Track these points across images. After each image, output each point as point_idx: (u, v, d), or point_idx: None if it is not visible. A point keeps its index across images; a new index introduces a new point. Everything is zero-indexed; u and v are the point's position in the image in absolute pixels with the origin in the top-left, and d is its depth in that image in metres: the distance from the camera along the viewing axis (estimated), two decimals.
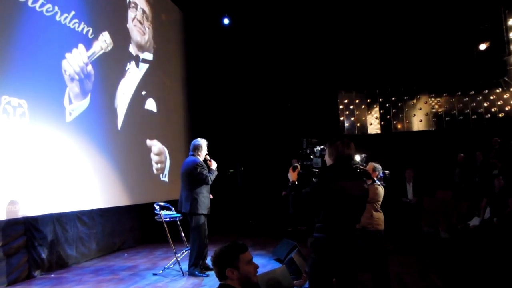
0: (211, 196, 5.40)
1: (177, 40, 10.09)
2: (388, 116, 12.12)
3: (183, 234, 5.75)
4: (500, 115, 11.33)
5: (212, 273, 4.96)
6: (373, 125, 12.23)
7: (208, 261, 5.30)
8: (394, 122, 12.12)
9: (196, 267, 5.12)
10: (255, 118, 11.35)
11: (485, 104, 11.50)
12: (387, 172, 4.42)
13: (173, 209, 5.68)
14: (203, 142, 5.35)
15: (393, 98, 12.14)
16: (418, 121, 11.98)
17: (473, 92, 11.64)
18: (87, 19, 6.56)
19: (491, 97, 11.47)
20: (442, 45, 10.96)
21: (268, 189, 10.78)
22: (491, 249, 5.63)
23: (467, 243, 6.25)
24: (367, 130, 12.21)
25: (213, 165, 5.34)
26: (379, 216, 4.31)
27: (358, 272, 2.65)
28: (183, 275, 5.15)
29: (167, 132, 9.12)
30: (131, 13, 7.95)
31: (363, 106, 12.29)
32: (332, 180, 2.49)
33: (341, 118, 12.14)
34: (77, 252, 6.06)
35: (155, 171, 8.49)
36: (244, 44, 11.29)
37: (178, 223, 5.68)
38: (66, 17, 6.10)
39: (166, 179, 8.86)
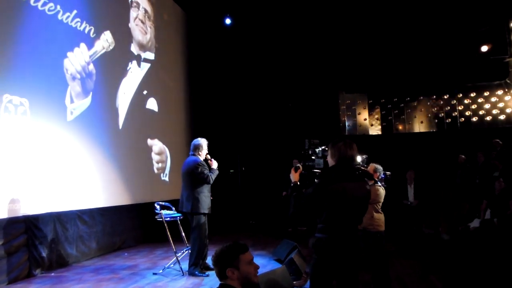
0: (211, 198, 5.40)
1: (178, 40, 10.10)
2: (389, 117, 12.11)
3: (183, 234, 5.75)
4: (501, 117, 11.32)
5: (212, 273, 4.97)
6: (374, 126, 12.22)
7: (209, 261, 5.30)
8: (395, 123, 12.11)
9: (196, 266, 5.12)
10: (256, 118, 11.35)
11: (487, 106, 11.49)
12: (388, 173, 4.42)
13: (174, 208, 5.69)
14: (203, 142, 5.35)
15: (394, 99, 12.13)
16: (419, 123, 11.97)
17: (474, 94, 11.63)
18: (89, 18, 6.57)
19: (493, 99, 11.46)
20: (444, 46, 10.95)
21: (269, 190, 10.78)
22: (491, 251, 5.62)
23: (468, 245, 6.24)
24: (368, 131, 12.21)
25: (214, 164, 5.35)
26: (380, 217, 4.31)
27: (359, 273, 2.65)
28: (183, 275, 5.15)
29: (168, 132, 9.13)
30: (133, 13, 7.96)
31: (364, 107, 12.28)
32: (334, 181, 2.49)
33: (342, 119, 12.14)
34: (78, 251, 6.06)
35: (156, 171, 8.49)
36: (245, 44, 11.29)
37: (179, 222, 5.68)
38: (68, 16, 6.10)
39: (166, 178, 8.86)
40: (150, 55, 8.50)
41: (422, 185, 6.95)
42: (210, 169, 5.29)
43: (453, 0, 10.34)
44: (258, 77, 11.38)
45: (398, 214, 7.24)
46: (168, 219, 5.50)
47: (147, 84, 8.28)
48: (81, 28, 6.41)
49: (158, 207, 5.49)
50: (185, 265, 5.27)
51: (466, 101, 11.70)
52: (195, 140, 5.39)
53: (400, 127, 12.09)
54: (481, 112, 11.53)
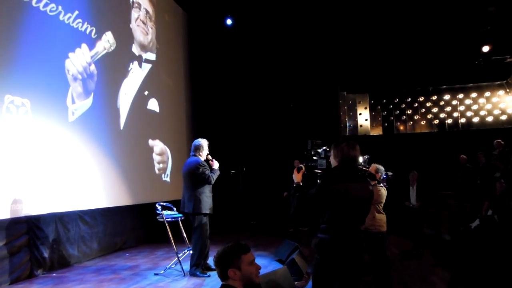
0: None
1: (180, 41, 10.11)
2: (390, 118, 12.11)
3: (184, 234, 5.75)
4: (503, 117, 11.31)
5: (213, 274, 4.97)
6: (375, 126, 12.22)
7: (210, 261, 5.30)
8: (397, 124, 12.11)
9: (198, 267, 5.12)
10: (257, 118, 11.35)
11: (488, 107, 11.48)
12: (389, 173, 4.41)
13: (175, 209, 5.69)
14: (204, 142, 5.35)
15: (395, 100, 12.13)
16: (421, 123, 11.97)
17: (475, 94, 11.63)
18: (90, 19, 6.58)
19: (494, 99, 11.45)
20: (445, 47, 10.95)
21: (270, 190, 10.78)
22: (493, 249, 5.61)
23: (469, 245, 6.23)
24: (369, 132, 12.20)
25: (215, 165, 5.35)
26: (382, 217, 4.31)
27: (361, 273, 2.65)
28: (184, 275, 5.15)
29: (169, 132, 9.14)
30: (134, 13, 7.97)
31: (365, 108, 12.28)
32: (337, 182, 2.49)
33: (344, 120, 12.14)
34: (79, 251, 6.07)
35: (157, 171, 8.50)
36: (246, 45, 11.29)
37: (180, 223, 5.69)
38: (69, 17, 6.11)
39: (168, 179, 8.87)
40: (151, 56, 8.51)
41: (424, 186, 6.93)
42: (211, 169, 5.30)
43: (454, 0, 10.33)
44: (259, 77, 11.38)
45: (400, 215, 7.22)
46: (169, 219, 5.50)
47: (148, 85, 8.29)
48: (83, 29, 6.42)
49: (159, 207, 5.49)
50: (186, 266, 5.27)
51: (467, 102, 11.70)
52: (195, 140, 5.40)
53: (401, 128, 12.09)
54: (482, 113, 11.52)
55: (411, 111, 12.05)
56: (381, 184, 4.32)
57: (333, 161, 2.65)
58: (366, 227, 4.11)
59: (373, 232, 4.20)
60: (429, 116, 11.92)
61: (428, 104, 11.94)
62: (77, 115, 6.21)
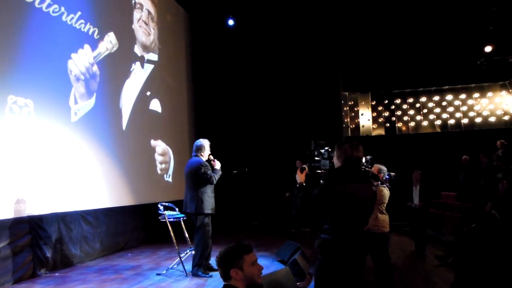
0: None
1: (182, 41, 10.12)
2: (392, 118, 12.09)
3: (186, 235, 5.76)
4: (505, 118, 11.28)
5: (215, 274, 4.97)
6: (378, 127, 12.20)
7: (212, 261, 5.30)
8: (399, 124, 12.09)
9: (200, 267, 5.13)
10: (259, 119, 11.35)
11: (491, 107, 11.45)
12: (392, 174, 4.40)
13: (177, 209, 5.69)
14: (205, 143, 5.36)
15: (398, 100, 12.11)
16: (423, 124, 11.95)
17: (478, 94, 11.60)
18: (93, 20, 6.60)
19: (497, 100, 11.42)
20: (448, 47, 10.92)
21: (272, 190, 10.78)
22: (494, 249, 5.59)
23: (472, 245, 6.21)
24: (371, 132, 12.19)
25: (217, 165, 5.35)
26: (385, 218, 4.30)
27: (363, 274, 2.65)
28: (186, 276, 5.16)
29: (171, 133, 9.15)
30: (136, 14, 7.98)
31: (367, 108, 12.27)
32: (340, 182, 2.49)
33: (345, 120, 12.12)
34: (81, 251, 6.09)
35: (159, 171, 8.51)
36: (248, 46, 11.30)
37: (182, 223, 5.69)
38: (72, 18, 6.14)
39: (170, 179, 8.88)
40: (154, 56, 8.52)
41: (427, 187, 6.91)
42: (213, 169, 5.30)
43: (457, 0, 10.31)
44: (261, 78, 11.38)
45: (402, 215, 7.21)
46: (172, 219, 5.51)
47: (151, 85, 8.31)
48: (85, 30, 6.44)
49: (161, 207, 5.50)
50: (188, 266, 5.27)
51: (469, 102, 11.67)
52: (197, 141, 5.40)
53: (404, 128, 12.07)
54: (485, 113, 11.49)
55: (413, 111, 12.02)
56: (384, 185, 4.31)
57: (336, 162, 2.65)
58: (368, 228, 4.10)
59: (375, 233, 4.19)
60: (432, 116, 11.89)
61: (431, 105, 11.92)
62: (79, 116, 6.23)
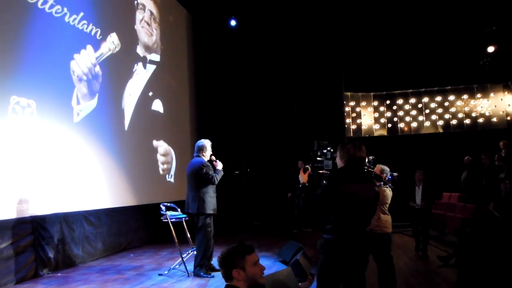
0: None
1: (184, 42, 10.13)
2: (395, 119, 12.07)
3: (188, 235, 5.76)
4: (508, 118, 11.24)
5: (217, 274, 4.98)
6: (380, 127, 12.18)
7: (214, 262, 5.31)
8: (401, 124, 12.07)
9: (202, 268, 5.13)
10: (261, 119, 11.36)
11: (493, 107, 11.41)
12: (395, 174, 4.40)
13: (179, 209, 5.70)
14: (207, 143, 5.37)
15: (400, 101, 12.09)
16: (425, 124, 11.92)
17: (480, 95, 11.56)
18: (95, 21, 6.61)
19: (499, 100, 11.38)
20: (450, 47, 10.90)
21: (274, 191, 10.77)
22: (495, 247, 5.58)
23: (472, 246, 6.19)
24: (373, 132, 12.17)
25: (219, 165, 5.36)
26: (387, 218, 4.29)
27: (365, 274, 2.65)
28: (188, 276, 5.16)
29: (173, 133, 9.16)
30: (139, 15, 8.00)
31: (369, 108, 12.25)
32: (343, 183, 2.49)
33: (348, 120, 12.11)
34: (84, 251, 6.10)
35: (161, 172, 8.52)
36: (250, 46, 11.31)
37: (184, 223, 5.69)
38: (75, 19, 6.15)
39: (172, 179, 8.89)
40: (156, 57, 8.54)
41: (429, 187, 6.89)
42: (215, 169, 5.31)
43: (460, 0, 10.29)
44: (263, 78, 11.38)
45: (405, 216, 7.20)
46: (174, 220, 5.51)
47: (153, 86, 8.32)
48: (88, 30, 6.46)
49: (163, 208, 5.50)
50: (190, 266, 5.27)
51: (472, 102, 11.63)
52: (198, 141, 5.41)
53: (406, 129, 12.04)
54: (487, 114, 11.46)
55: (415, 112, 12.00)
56: (386, 185, 4.30)
57: (339, 162, 2.65)
58: (371, 228, 4.10)
59: (378, 233, 4.19)
60: (434, 117, 11.87)
61: (433, 105, 11.89)
62: (82, 116, 6.25)
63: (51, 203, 5.47)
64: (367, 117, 12.24)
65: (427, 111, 11.91)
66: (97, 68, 6.65)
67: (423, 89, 11.93)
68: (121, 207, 7.07)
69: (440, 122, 11.81)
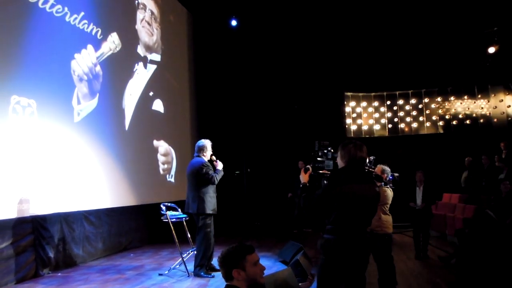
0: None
1: (185, 41, 10.13)
2: (395, 119, 12.06)
3: (189, 235, 5.76)
4: (509, 119, 11.22)
5: (217, 274, 4.98)
6: (380, 128, 12.18)
7: (214, 262, 5.30)
8: (402, 125, 12.06)
9: (202, 268, 5.13)
10: (262, 119, 11.36)
11: (494, 108, 11.40)
12: (396, 174, 4.39)
13: (179, 209, 5.70)
14: (207, 143, 5.37)
15: (400, 101, 12.08)
16: (426, 125, 11.91)
17: (481, 95, 11.55)
18: (96, 20, 6.61)
19: (500, 101, 11.37)
20: (451, 48, 10.89)
21: (274, 191, 10.77)
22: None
23: (470, 247, 6.19)
24: (373, 133, 12.16)
25: (219, 165, 5.36)
26: (388, 219, 4.29)
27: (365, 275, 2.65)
28: (188, 276, 5.16)
29: (174, 133, 9.16)
30: (139, 14, 8.00)
31: (370, 109, 12.24)
32: (343, 183, 2.49)
33: (348, 121, 12.10)
34: (84, 251, 6.10)
35: (161, 172, 8.52)
36: (251, 46, 11.31)
37: (184, 223, 5.69)
38: (75, 18, 6.15)
39: (172, 179, 8.89)
40: (156, 57, 8.54)
41: (430, 187, 6.88)
42: (215, 169, 5.31)
43: (461, 0, 10.29)
44: (264, 78, 11.39)
45: (405, 216, 7.18)
46: (174, 220, 5.51)
47: (153, 86, 8.32)
48: (88, 30, 6.46)
49: (163, 208, 5.50)
50: (190, 266, 5.27)
51: (473, 103, 11.62)
52: (199, 141, 5.41)
53: (406, 129, 12.03)
54: (488, 114, 11.44)
55: (416, 112, 11.99)
56: (387, 185, 4.30)
57: (340, 162, 2.64)
58: (371, 228, 4.09)
59: (379, 234, 4.18)
60: (434, 117, 11.86)
61: (433, 106, 11.88)
62: (82, 116, 6.25)
63: (51, 202, 5.47)
64: (368, 118, 12.23)
65: (428, 111, 11.90)
66: (98, 68, 6.65)
67: (424, 90, 11.92)
68: (122, 207, 7.07)
69: (441, 123, 11.81)
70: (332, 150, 3.08)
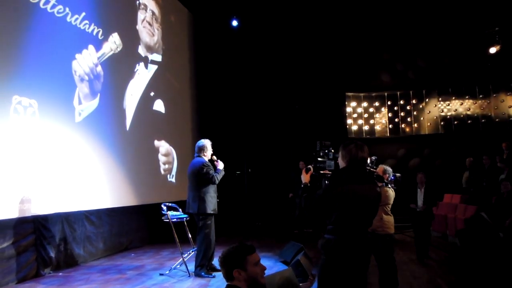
0: (217, 200, 5.39)
1: (186, 42, 10.14)
2: (396, 119, 12.05)
3: (189, 235, 5.77)
4: (510, 119, 11.21)
5: (218, 274, 4.98)
6: (381, 128, 12.17)
7: (215, 262, 5.30)
8: (403, 125, 12.05)
9: (203, 268, 5.13)
10: (263, 120, 11.36)
11: (495, 108, 11.39)
12: (398, 175, 4.39)
13: (180, 209, 5.70)
14: (207, 143, 5.37)
15: (401, 101, 12.07)
16: (427, 125, 11.90)
17: (482, 95, 11.54)
18: (97, 21, 6.62)
19: (501, 101, 11.36)
20: (452, 48, 10.89)
21: (275, 191, 10.77)
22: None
23: (475, 248, 6.19)
24: (375, 133, 12.15)
25: (220, 165, 5.36)
26: (389, 219, 4.28)
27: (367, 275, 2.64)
28: (189, 276, 5.16)
29: (175, 133, 9.16)
30: (140, 15, 8.01)
31: (371, 109, 12.23)
32: (344, 183, 2.49)
33: (349, 121, 12.10)
34: (85, 251, 6.10)
35: (162, 172, 8.52)
36: (252, 46, 11.31)
37: (185, 223, 5.70)
38: (76, 18, 6.16)
39: (173, 179, 8.89)
40: (157, 57, 8.54)
41: (431, 188, 6.87)
42: (216, 169, 5.31)
43: (462, 0, 10.28)
44: (265, 78, 11.39)
45: (407, 217, 7.18)
46: (175, 220, 5.52)
47: (154, 86, 8.33)
48: (89, 30, 6.47)
49: (164, 208, 5.51)
50: (191, 266, 5.28)
51: (474, 103, 11.61)
52: (198, 142, 5.42)
53: (408, 129, 12.02)
54: (489, 114, 11.43)
55: (416, 112, 11.98)
56: (389, 186, 4.29)
57: (341, 163, 2.64)
58: (373, 229, 4.08)
59: (380, 234, 4.18)
60: (435, 117, 11.85)
61: (434, 106, 11.87)
62: (83, 116, 6.25)
63: (52, 202, 5.47)
64: (369, 118, 12.22)
65: (429, 112, 11.89)
66: (99, 68, 6.66)
67: (425, 90, 11.91)
68: (123, 207, 7.08)
69: (442, 123, 11.79)
70: (333, 150, 3.08)
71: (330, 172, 2.92)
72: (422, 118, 11.92)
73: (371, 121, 12.16)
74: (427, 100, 11.92)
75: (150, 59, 8.25)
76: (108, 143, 6.81)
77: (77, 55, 6.15)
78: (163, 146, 8.56)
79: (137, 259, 6.44)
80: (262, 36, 11.19)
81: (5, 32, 4.93)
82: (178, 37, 9.73)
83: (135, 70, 7.76)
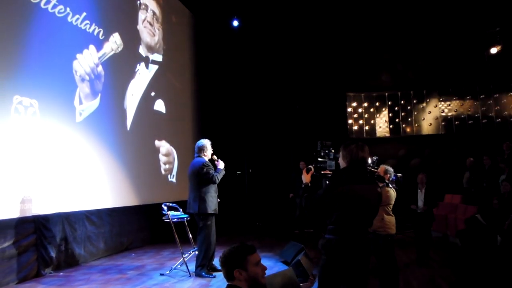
0: (218, 200, 5.39)
1: (186, 42, 10.14)
2: (397, 120, 12.05)
3: (190, 235, 5.77)
4: (511, 119, 11.20)
5: (219, 274, 4.98)
6: (382, 128, 12.16)
7: (215, 262, 5.30)
8: (403, 125, 12.04)
9: (203, 268, 5.13)
10: (263, 120, 11.36)
11: (496, 108, 11.38)
12: (399, 175, 4.38)
13: (181, 209, 5.70)
14: (207, 143, 5.37)
15: (402, 102, 12.07)
16: (428, 125, 11.89)
17: (483, 96, 11.53)
18: (98, 21, 6.63)
19: (502, 101, 11.35)
20: (453, 48, 10.88)
21: (276, 191, 10.77)
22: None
23: (476, 248, 6.19)
24: (375, 133, 12.15)
25: (221, 165, 5.36)
26: (391, 219, 4.27)
27: (368, 275, 2.64)
28: (190, 276, 5.16)
29: (175, 133, 9.17)
30: (141, 15, 8.01)
31: (372, 109, 12.23)
32: (345, 183, 2.49)
33: (350, 121, 12.09)
34: (86, 251, 6.10)
35: (163, 172, 8.53)
36: (253, 46, 11.31)
37: (186, 223, 5.70)
38: (77, 18, 6.16)
39: (174, 179, 8.89)
40: (158, 57, 8.55)
41: (431, 189, 6.86)
42: (217, 169, 5.31)
43: (463, 1, 10.27)
44: (265, 79, 11.39)
45: (407, 218, 7.17)
46: (175, 220, 5.52)
47: (155, 86, 8.33)
48: (90, 30, 6.47)
49: (165, 208, 5.51)
50: (192, 266, 5.28)
51: (475, 103, 11.60)
52: (198, 142, 5.41)
53: (408, 129, 12.02)
54: (490, 115, 11.42)
55: (417, 112, 11.97)
56: (390, 186, 4.28)
57: (341, 163, 2.64)
58: (374, 229, 4.08)
59: (381, 234, 4.17)
60: (436, 118, 11.84)
61: (435, 106, 11.86)
62: (84, 116, 6.26)
63: (53, 202, 5.48)
64: (369, 118, 12.22)
65: (429, 112, 11.89)
66: (100, 68, 6.66)
67: (425, 90, 11.91)
68: (123, 207, 7.08)
69: (443, 123, 11.78)
70: (333, 151, 3.08)
71: (331, 172, 2.92)
72: (423, 118, 11.92)
73: (372, 121, 12.16)
74: (427, 100, 11.91)
75: (151, 59, 8.26)
76: (108, 143, 6.81)
77: (78, 55, 6.15)
78: (163, 146, 8.56)
79: (138, 259, 6.44)
80: (263, 36, 11.19)
81: (6, 32, 4.93)
82: (179, 37, 9.74)
83: (136, 70, 7.76)
